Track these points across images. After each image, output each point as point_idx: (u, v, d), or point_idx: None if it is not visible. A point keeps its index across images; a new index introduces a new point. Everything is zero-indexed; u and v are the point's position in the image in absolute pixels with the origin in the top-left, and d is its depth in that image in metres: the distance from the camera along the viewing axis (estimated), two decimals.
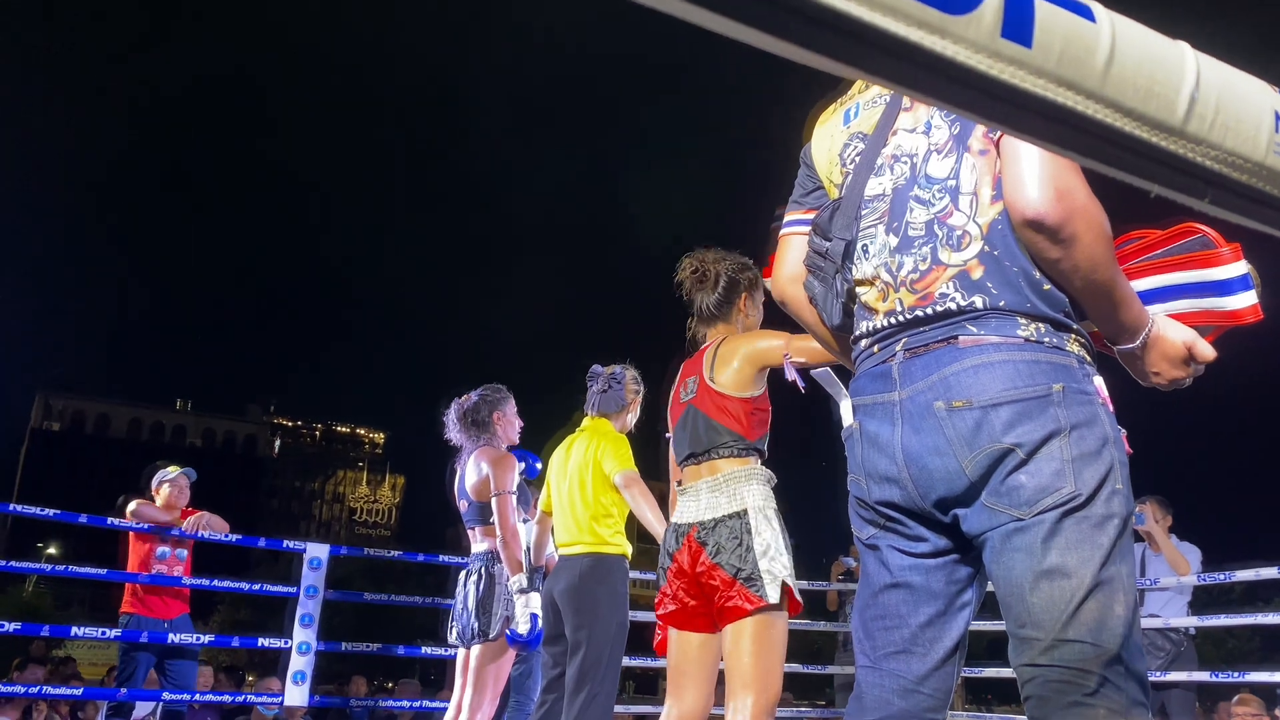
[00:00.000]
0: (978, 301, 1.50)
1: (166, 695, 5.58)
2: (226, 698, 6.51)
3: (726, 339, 2.71)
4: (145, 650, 5.52)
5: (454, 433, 4.01)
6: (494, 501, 3.67)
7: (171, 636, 5.57)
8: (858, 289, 1.67)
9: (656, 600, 2.66)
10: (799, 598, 2.48)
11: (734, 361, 2.62)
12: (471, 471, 3.85)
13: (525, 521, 3.89)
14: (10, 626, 5.67)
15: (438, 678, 11.08)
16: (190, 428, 67.48)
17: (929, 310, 1.54)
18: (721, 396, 2.61)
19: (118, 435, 63.50)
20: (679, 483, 2.70)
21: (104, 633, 5.60)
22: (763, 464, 2.63)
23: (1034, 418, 1.42)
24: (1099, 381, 1.51)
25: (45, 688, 5.84)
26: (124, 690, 5.43)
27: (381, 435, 75.26)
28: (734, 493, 2.52)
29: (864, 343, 1.66)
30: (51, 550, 36.45)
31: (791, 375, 2.53)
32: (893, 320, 1.59)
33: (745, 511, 2.48)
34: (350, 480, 70.40)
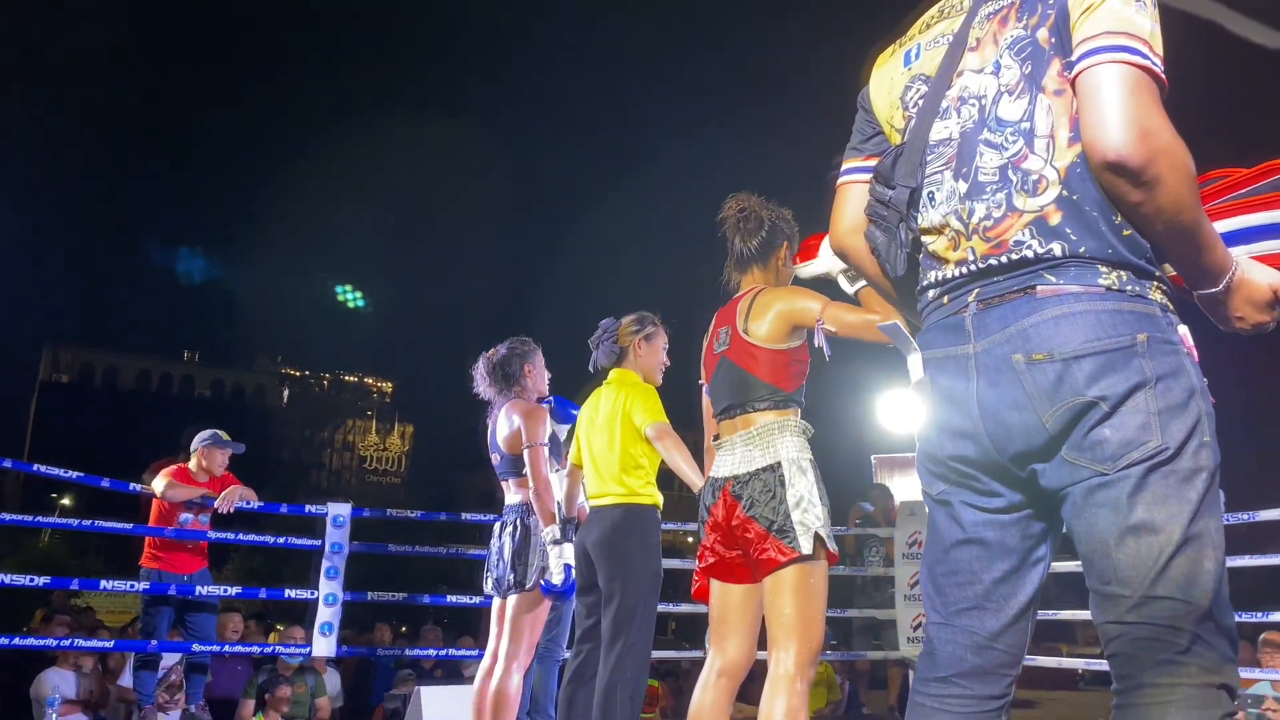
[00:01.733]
0: (1056, 249, 1.45)
1: (196, 647, 5.65)
2: (255, 648, 6.57)
3: (763, 290, 2.67)
4: (167, 604, 5.58)
5: (483, 386, 4.00)
6: (525, 454, 3.66)
7: (199, 589, 5.63)
8: (924, 238, 1.61)
9: (699, 553, 2.67)
10: (833, 548, 2.47)
11: (768, 315, 2.59)
12: (503, 424, 3.84)
13: (557, 473, 3.88)
14: (40, 580, 5.73)
15: (451, 624, 11.20)
16: (199, 379, 67.68)
17: (1003, 259, 1.49)
18: (756, 349, 2.58)
19: (127, 387, 63.76)
20: (716, 436, 2.68)
21: (131, 586, 5.64)
22: (800, 415, 2.60)
23: (1118, 370, 1.37)
24: (1184, 330, 1.46)
25: (76, 639, 5.89)
26: (154, 642, 5.49)
27: (389, 384, 75.50)
28: (768, 445, 2.51)
29: (932, 294, 1.60)
30: (66, 501, 36.77)
31: (820, 340, 2.51)
32: (963, 270, 1.54)
33: (779, 464, 2.48)
34: (359, 429, 70.74)
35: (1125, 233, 1.44)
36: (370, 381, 75.25)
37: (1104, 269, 1.43)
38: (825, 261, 2.50)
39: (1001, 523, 1.53)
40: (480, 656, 6.87)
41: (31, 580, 5.59)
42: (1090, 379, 1.38)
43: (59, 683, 5.73)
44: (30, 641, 5.81)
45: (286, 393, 70.83)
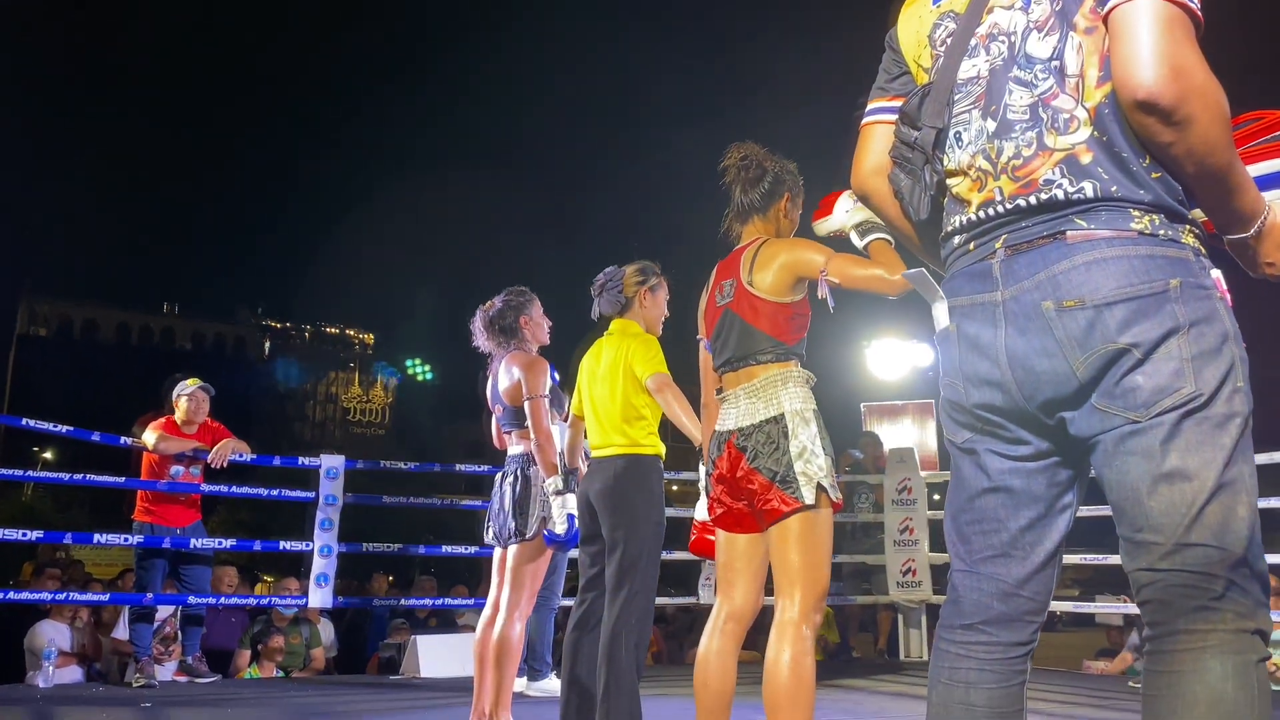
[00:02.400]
0: (1087, 188, 1.42)
1: (192, 599, 5.65)
2: (251, 600, 6.58)
3: (768, 242, 2.64)
4: (161, 556, 5.58)
5: (481, 340, 3.97)
6: (527, 406, 3.65)
7: (194, 542, 5.63)
8: (949, 180, 1.58)
9: (708, 506, 2.68)
10: (836, 496, 2.48)
11: (773, 267, 2.57)
12: (504, 376, 3.82)
13: (557, 424, 3.87)
14: (33, 535, 5.71)
15: (439, 573, 11.29)
16: (179, 331, 67.15)
17: (1032, 199, 1.46)
18: (760, 301, 2.57)
19: (106, 340, 63.20)
20: (719, 390, 2.67)
21: (125, 539, 5.63)
22: (802, 366, 2.60)
23: (1150, 316, 1.36)
24: (1217, 274, 1.44)
25: (70, 593, 5.88)
26: (150, 595, 5.49)
27: (371, 336, 75.19)
28: (771, 397, 2.51)
29: (957, 240, 1.58)
30: (48, 455, 36.60)
31: (823, 292, 2.50)
32: (989, 212, 1.51)
33: (782, 415, 2.48)
34: (342, 381, 70.52)
35: (1156, 175, 1.42)
36: (352, 333, 74.90)
37: (1136, 213, 1.41)
38: (838, 217, 2.50)
39: (1028, 470, 1.52)
40: (474, 605, 6.95)
41: (25, 535, 5.57)
42: (1122, 325, 1.36)
43: (54, 635, 5.73)
44: (26, 595, 5.79)
45: (268, 344, 70.43)
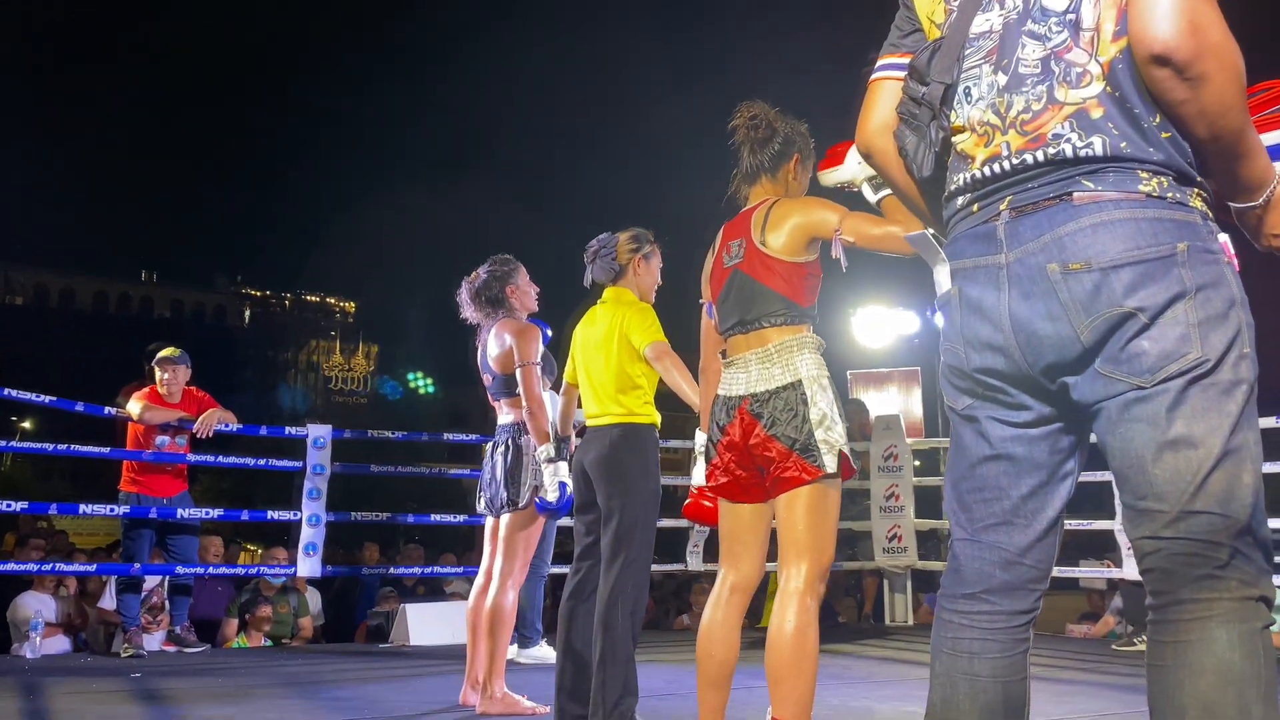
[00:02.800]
0: (1096, 144, 1.39)
1: (180, 569, 5.63)
2: (239, 570, 6.57)
3: (780, 201, 2.58)
4: (148, 526, 5.56)
5: (469, 312, 3.93)
6: (519, 373, 3.62)
7: (180, 512, 5.60)
8: (955, 138, 1.55)
9: (706, 472, 2.63)
10: (854, 464, 2.46)
11: (786, 226, 2.51)
12: (494, 344, 3.79)
13: (548, 391, 3.86)
14: (18, 505, 5.66)
15: (423, 541, 11.30)
16: (158, 299, 66.55)
17: (1039, 154, 1.44)
18: (773, 260, 2.51)
19: (84, 308, 62.58)
20: (723, 353, 2.63)
21: (111, 510, 5.59)
22: (813, 330, 2.55)
23: (1157, 280, 1.34)
24: (1224, 239, 1.42)
25: (58, 564, 5.85)
26: (138, 566, 5.47)
27: (352, 304, 74.71)
28: (787, 363, 2.45)
29: (960, 200, 1.55)
30: (26, 425, 36.32)
31: (837, 252, 2.45)
32: (995, 169, 1.48)
33: (800, 382, 2.43)
34: (324, 349, 70.10)
35: (1166, 134, 1.40)
36: (333, 301, 74.41)
37: (1144, 175, 1.39)
38: (850, 168, 2.43)
39: (1030, 437, 1.51)
40: (463, 574, 6.96)
41: (9, 506, 5.52)
42: (1129, 289, 1.35)
43: (39, 606, 5.70)
44: (12, 567, 5.76)
45: (247, 313, 69.90)
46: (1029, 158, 1.45)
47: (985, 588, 1.53)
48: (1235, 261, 1.44)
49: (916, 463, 7.64)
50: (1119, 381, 1.37)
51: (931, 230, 1.65)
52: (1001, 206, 1.47)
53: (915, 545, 7.51)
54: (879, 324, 9.96)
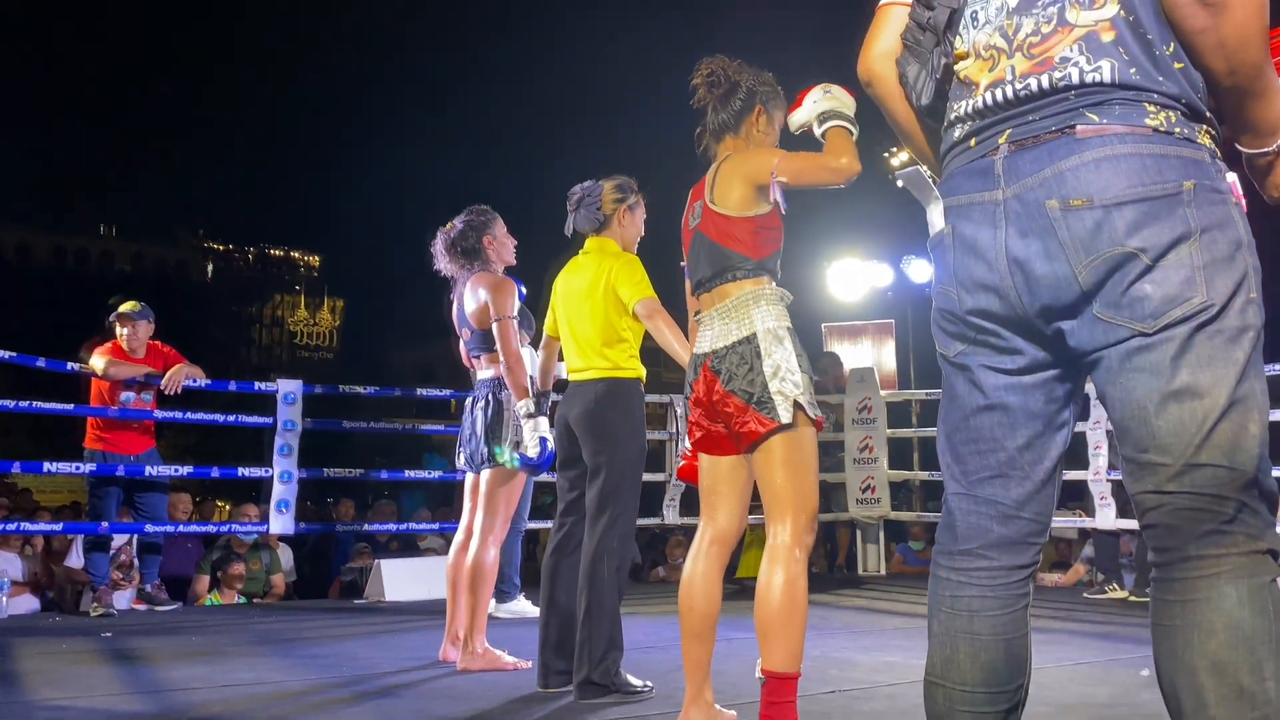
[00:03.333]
0: (1104, 68, 1.33)
1: (149, 528, 5.54)
2: (211, 528, 6.49)
3: (729, 158, 2.57)
4: (115, 484, 5.46)
5: (443, 264, 3.83)
6: (495, 328, 3.55)
7: (150, 469, 5.50)
8: (957, 65, 1.49)
9: (688, 430, 2.63)
10: (815, 413, 2.43)
11: (733, 181, 2.50)
12: (470, 299, 3.70)
13: (526, 346, 3.79)
14: None
15: (393, 497, 11.29)
16: (118, 254, 65.40)
17: (1044, 79, 1.37)
18: (724, 219, 2.50)
19: (42, 264, 61.37)
20: (697, 313, 2.61)
21: (76, 468, 5.48)
22: (775, 283, 2.54)
23: (1161, 219, 1.28)
24: (1232, 178, 1.37)
25: (23, 523, 5.75)
26: (106, 525, 5.37)
27: (316, 258, 73.86)
28: (743, 318, 2.45)
29: (959, 130, 1.48)
30: None
31: (775, 195, 2.43)
32: (997, 95, 1.42)
33: (755, 335, 2.42)
34: (288, 304, 69.37)
35: (1179, 65, 1.34)
36: (297, 255, 73.49)
37: (1151, 108, 1.33)
38: (806, 109, 2.44)
39: (1024, 386, 1.45)
40: (439, 530, 6.92)
41: None
42: (1131, 228, 1.29)
43: (4, 565, 5.60)
44: None
45: (210, 267, 68.90)
46: (1033, 83, 1.39)
47: (982, 543, 1.49)
48: (1243, 202, 1.39)
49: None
50: (1119, 327, 1.32)
51: (924, 168, 1.59)
52: (1000, 140, 1.41)
53: (889, 496, 7.57)
54: (853, 277, 9.96)
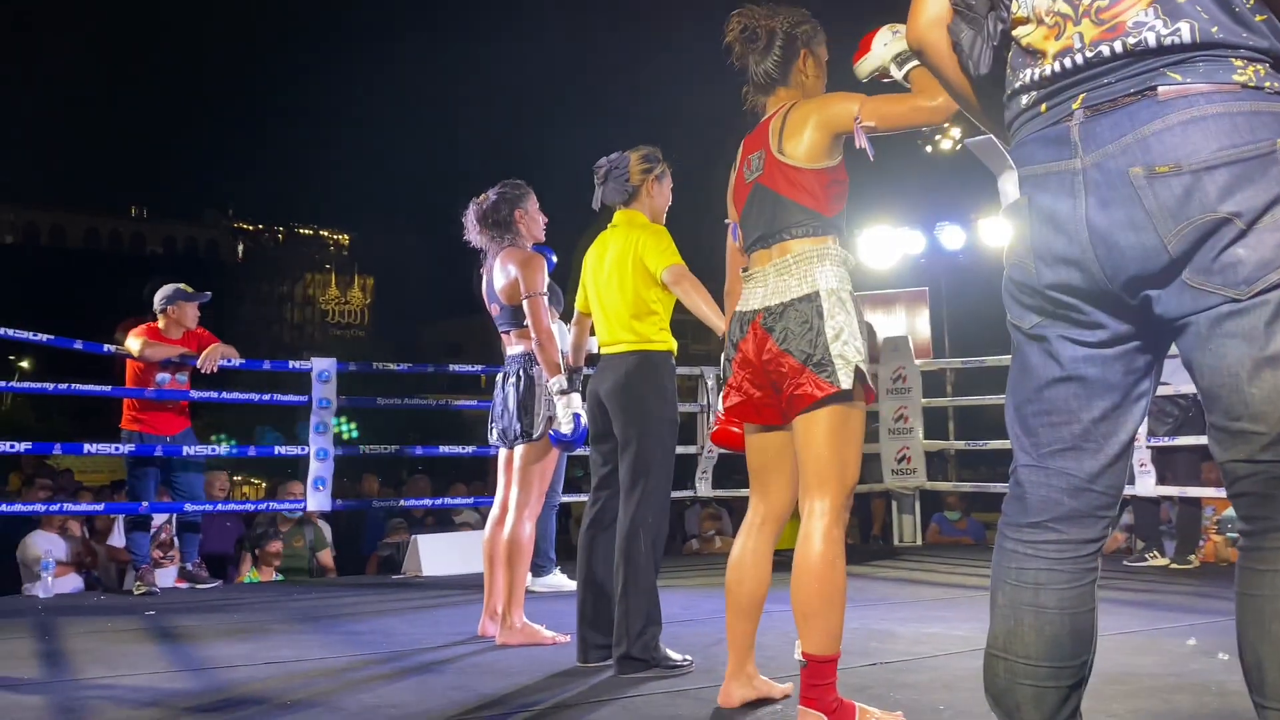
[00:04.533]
0: (1184, 30, 1.26)
1: (189, 507, 5.60)
2: (249, 506, 6.54)
3: (795, 105, 2.42)
4: (152, 465, 5.51)
5: (474, 235, 3.81)
6: (525, 304, 3.53)
7: (186, 449, 5.55)
8: (1017, 31, 1.42)
9: (723, 394, 2.55)
10: (873, 385, 2.36)
11: (805, 130, 2.35)
12: (499, 275, 3.68)
13: (557, 321, 3.77)
14: (21, 446, 5.61)
15: (429, 472, 11.35)
16: (149, 235, 65.99)
17: (1116, 45, 1.31)
18: (793, 170, 2.36)
19: (75, 245, 62.05)
20: (745, 269, 2.51)
21: (115, 449, 5.54)
22: (840, 242, 2.41)
23: (1255, 181, 1.23)
24: None
25: (65, 504, 5.82)
26: (145, 504, 5.43)
27: (346, 236, 74.13)
28: (805, 274, 2.31)
29: (1026, 98, 1.42)
30: (24, 364, 36.26)
31: (861, 142, 2.30)
32: (1066, 64, 1.35)
33: (817, 293, 2.28)
34: (319, 283, 69.73)
35: (1261, 17, 1.28)
36: (327, 234, 73.80)
37: (1238, 63, 1.27)
38: (877, 52, 2.29)
39: (1104, 357, 1.41)
40: (474, 505, 6.95)
41: (13, 447, 5.47)
42: (1224, 192, 1.24)
43: (49, 546, 5.68)
44: (20, 508, 5.72)
45: (240, 247, 69.37)
46: (1105, 49, 1.33)
47: (1052, 516, 1.45)
48: None
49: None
50: (1211, 294, 1.27)
51: (995, 135, 1.53)
52: (1074, 105, 1.35)
53: (925, 466, 7.51)
54: (885, 244, 9.83)
